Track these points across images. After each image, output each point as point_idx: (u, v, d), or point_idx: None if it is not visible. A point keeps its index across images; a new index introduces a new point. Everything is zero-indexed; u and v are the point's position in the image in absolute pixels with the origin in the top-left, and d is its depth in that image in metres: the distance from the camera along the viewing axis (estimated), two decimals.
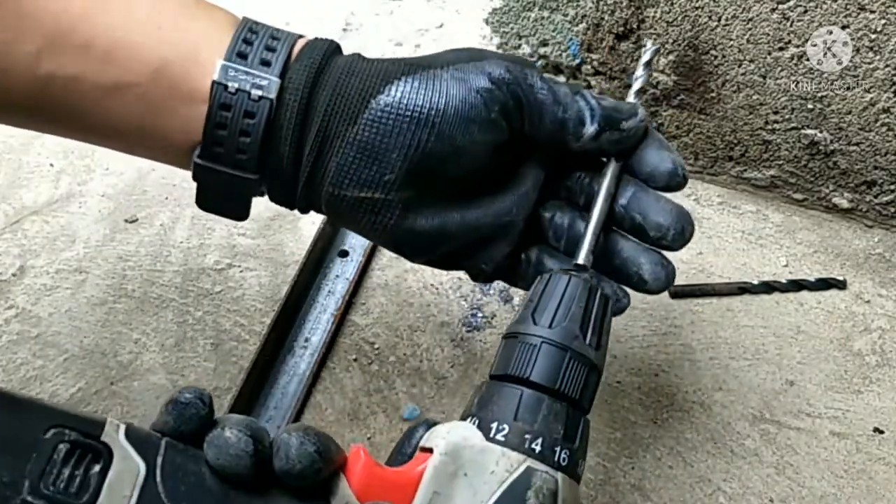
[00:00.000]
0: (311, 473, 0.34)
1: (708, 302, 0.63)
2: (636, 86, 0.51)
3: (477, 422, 0.38)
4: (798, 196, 0.69)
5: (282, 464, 0.33)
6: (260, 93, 0.41)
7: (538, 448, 0.37)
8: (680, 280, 0.62)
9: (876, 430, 0.57)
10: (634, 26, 0.64)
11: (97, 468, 0.32)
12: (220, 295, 0.63)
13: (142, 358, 0.59)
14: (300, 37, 0.44)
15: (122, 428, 0.34)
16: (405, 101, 0.41)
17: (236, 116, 0.41)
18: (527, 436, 0.37)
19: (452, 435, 0.37)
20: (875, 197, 0.66)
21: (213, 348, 0.60)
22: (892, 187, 0.65)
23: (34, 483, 0.31)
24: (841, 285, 0.64)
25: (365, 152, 0.41)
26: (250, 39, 0.42)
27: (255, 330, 0.61)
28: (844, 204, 0.68)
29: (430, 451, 0.37)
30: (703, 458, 0.55)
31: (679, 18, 0.61)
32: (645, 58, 0.53)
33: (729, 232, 0.68)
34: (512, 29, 0.69)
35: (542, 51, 0.70)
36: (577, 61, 0.69)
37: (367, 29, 0.84)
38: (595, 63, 0.68)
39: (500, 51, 0.71)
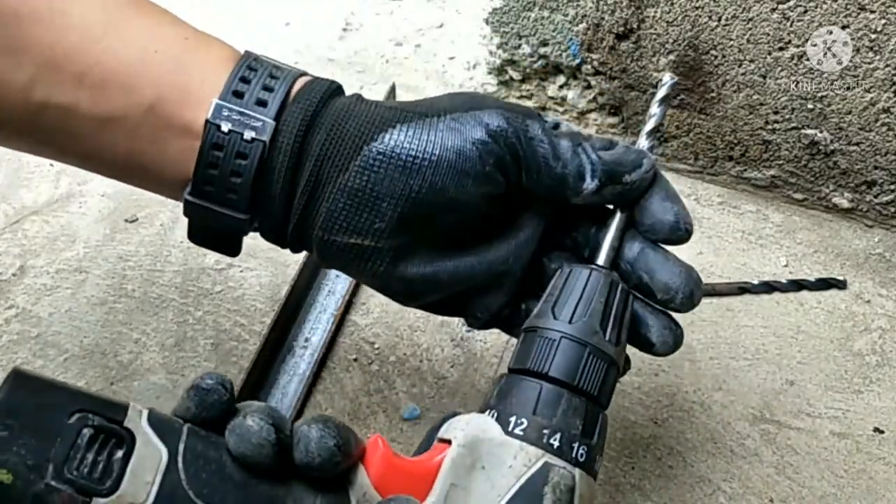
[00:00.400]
0: (330, 466, 0.34)
1: (708, 302, 0.63)
2: (649, 125, 0.48)
3: (495, 414, 0.38)
4: (798, 196, 0.69)
5: (302, 456, 0.34)
6: (253, 134, 0.40)
7: (556, 443, 0.37)
8: None
9: (876, 430, 0.57)
10: (634, 26, 0.64)
11: (120, 453, 0.32)
12: (220, 295, 0.63)
13: (142, 358, 0.59)
14: (301, 74, 0.43)
15: (145, 413, 0.34)
16: (398, 150, 0.40)
17: (228, 157, 0.40)
18: (545, 430, 0.37)
19: (471, 427, 0.37)
20: (875, 197, 0.66)
21: (213, 348, 0.60)
22: (893, 187, 0.65)
23: (58, 467, 0.31)
24: (841, 285, 0.64)
25: (355, 199, 0.40)
26: (248, 77, 0.41)
27: (255, 330, 0.61)
28: (844, 204, 0.68)
29: (449, 442, 0.37)
30: (703, 458, 0.55)
31: (679, 18, 0.61)
32: (661, 93, 0.50)
33: (729, 232, 0.68)
34: (512, 29, 0.69)
35: (542, 51, 0.70)
36: (577, 61, 0.68)
37: (367, 29, 0.84)
38: (595, 63, 0.68)
39: (500, 51, 0.71)
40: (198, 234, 0.45)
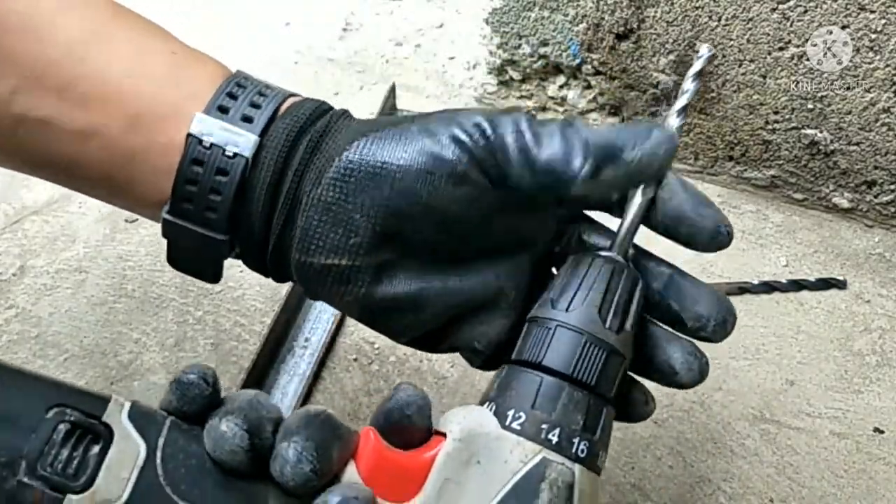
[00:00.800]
0: (305, 490, 0.33)
1: None
2: (681, 101, 0.44)
3: (494, 407, 0.37)
4: (798, 196, 0.69)
5: (277, 475, 0.33)
6: (235, 149, 0.39)
7: (555, 439, 0.36)
8: None
9: (876, 430, 0.57)
10: (634, 26, 0.64)
11: (96, 449, 0.32)
12: (220, 295, 0.63)
13: (142, 358, 0.59)
14: (291, 95, 0.41)
15: (127, 406, 0.33)
16: (367, 158, 0.38)
17: (208, 173, 0.39)
18: (544, 425, 0.36)
19: (467, 420, 0.36)
20: (875, 197, 0.66)
21: (213, 348, 0.60)
22: (892, 187, 0.65)
23: (31, 464, 0.31)
24: (841, 285, 0.64)
25: (329, 214, 0.38)
26: (235, 94, 0.40)
27: (255, 330, 0.61)
28: (844, 204, 0.68)
29: (444, 435, 0.36)
30: (703, 458, 0.55)
31: (679, 18, 0.61)
32: (696, 67, 0.46)
33: None
34: (512, 29, 0.69)
35: (542, 51, 0.70)
36: (577, 61, 0.68)
37: (367, 29, 0.84)
38: (595, 63, 0.68)
39: (500, 51, 0.71)
40: (177, 258, 0.43)
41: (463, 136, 0.37)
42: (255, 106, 0.40)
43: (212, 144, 0.39)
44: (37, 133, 0.40)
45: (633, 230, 0.40)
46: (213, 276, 0.43)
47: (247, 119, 0.39)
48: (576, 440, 0.36)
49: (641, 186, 0.40)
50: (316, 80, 0.79)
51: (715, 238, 0.39)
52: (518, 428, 0.36)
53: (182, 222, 0.40)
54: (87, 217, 0.68)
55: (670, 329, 0.41)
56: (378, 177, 0.38)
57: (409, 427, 0.36)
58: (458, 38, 0.82)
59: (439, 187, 0.38)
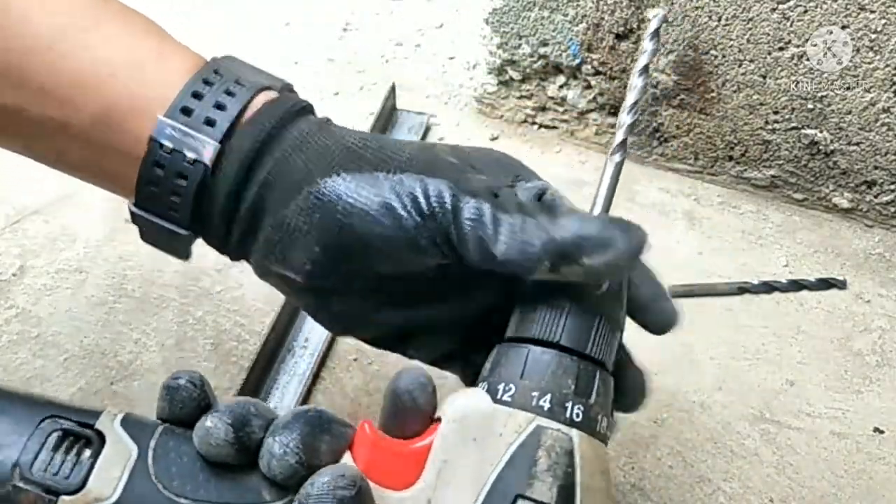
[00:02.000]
0: (293, 482, 0.33)
1: (708, 302, 0.63)
2: (641, 61, 0.45)
3: (486, 385, 0.37)
4: (798, 196, 0.69)
5: (264, 469, 0.34)
6: (194, 156, 0.38)
7: (546, 405, 0.35)
8: (680, 280, 0.62)
9: (876, 430, 0.57)
10: (634, 26, 0.64)
11: (88, 453, 0.33)
12: (220, 295, 0.63)
13: (142, 358, 0.59)
14: (264, 89, 0.40)
15: (120, 416, 0.35)
16: (334, 199, 0.37)
17: (168, 176, 0.39)
18: (534, 393, 0.35)
19: (460, 401, 0.36)
20: (875, 197, 0.66)
21: (213, 348, 0.60)
22: (892, 187, 0.65)
23: (25, 470, 0.32)
24: (841, 285, 0.64)
25: (291, 237, 0.38)
26: (201, 93, 0.39)
27: (255, 330, 0.61)
28: (844, 204, 0.68)
29: (440, 420, 0.36)
30: (703, 458, 0.55)
31: (679, 18, 0.61)
32: (652, 26, 0.47)
33: (729, 232, 0.68)
34: (512, 29, 0.69)
35: (542, 51, 0.70)
36: (577, 61, 0.68)
37: (367, 29, 0.84)
38: (595, 63, 0.68)
39: (500, 51, 0.71)
40: (147, 240, 0.44)
41: (425, 209, 0.37)
42: (220, 107, 0.39)
43: (172, 149, 0.38)
44: (10, 120, 0.41)
45: (611, 194, 0.40)
46: (182, 256, 0.44)
47: (209, 122, 0.39)
48: (568, 404, 0.35)
49: (609, 153, 0.40)
50: (316, 80, 0.79)
51: (664, 330, 0.41)
52: (509, 400, 0.36)
53: (147, 216, 0.41)
54: (87, 217, 0.68)
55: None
56: (342, 223, 0.37)
57: (414, 410, 0.36)
58: (458, 38, 0.82)
59: (399, 250, 0.37)
